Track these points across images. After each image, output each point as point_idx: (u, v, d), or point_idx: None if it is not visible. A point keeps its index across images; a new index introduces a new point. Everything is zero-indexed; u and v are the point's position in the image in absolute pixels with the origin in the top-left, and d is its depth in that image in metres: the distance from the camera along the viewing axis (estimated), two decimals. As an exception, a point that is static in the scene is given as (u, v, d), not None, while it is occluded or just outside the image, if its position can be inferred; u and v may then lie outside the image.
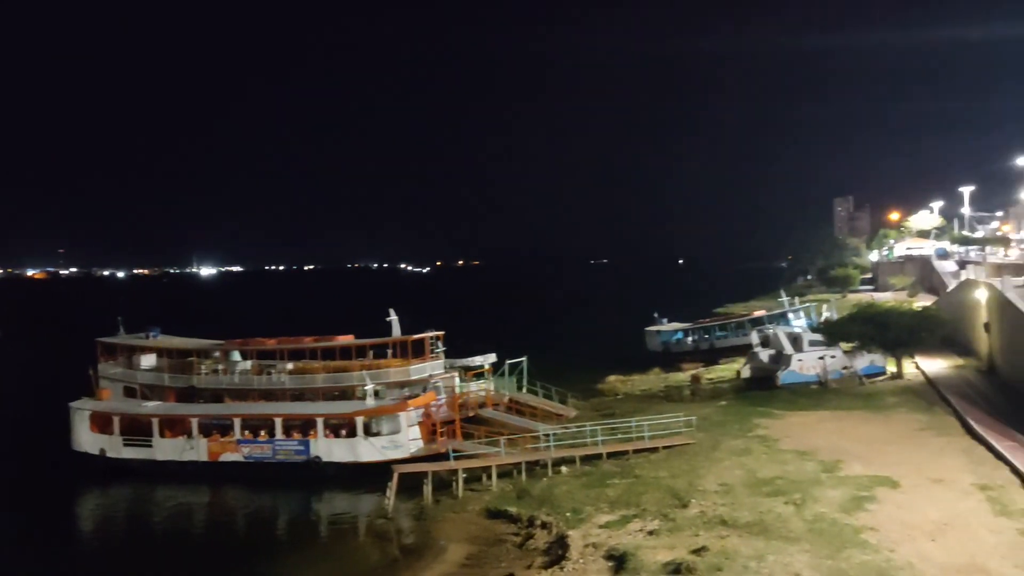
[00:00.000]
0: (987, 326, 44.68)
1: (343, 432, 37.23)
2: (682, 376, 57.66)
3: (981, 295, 46.36)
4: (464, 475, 32.66)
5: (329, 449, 36.82)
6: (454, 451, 34.23)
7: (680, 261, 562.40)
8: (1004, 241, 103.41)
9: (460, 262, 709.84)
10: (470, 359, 44.74)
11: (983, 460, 27.56)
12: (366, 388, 39.10)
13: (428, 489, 32.16)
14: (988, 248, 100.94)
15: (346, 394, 41.97)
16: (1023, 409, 33.89)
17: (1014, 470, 25.74)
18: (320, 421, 37.19)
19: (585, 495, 28.73)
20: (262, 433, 38.21)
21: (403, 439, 36.16)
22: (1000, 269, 67.27)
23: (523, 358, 46.20)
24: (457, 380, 43.43)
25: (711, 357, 66.86)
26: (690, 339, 73.51)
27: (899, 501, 23.94)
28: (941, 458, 28.14)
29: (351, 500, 34.28)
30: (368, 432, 36.63)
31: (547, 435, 34.90)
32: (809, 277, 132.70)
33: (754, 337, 54.13)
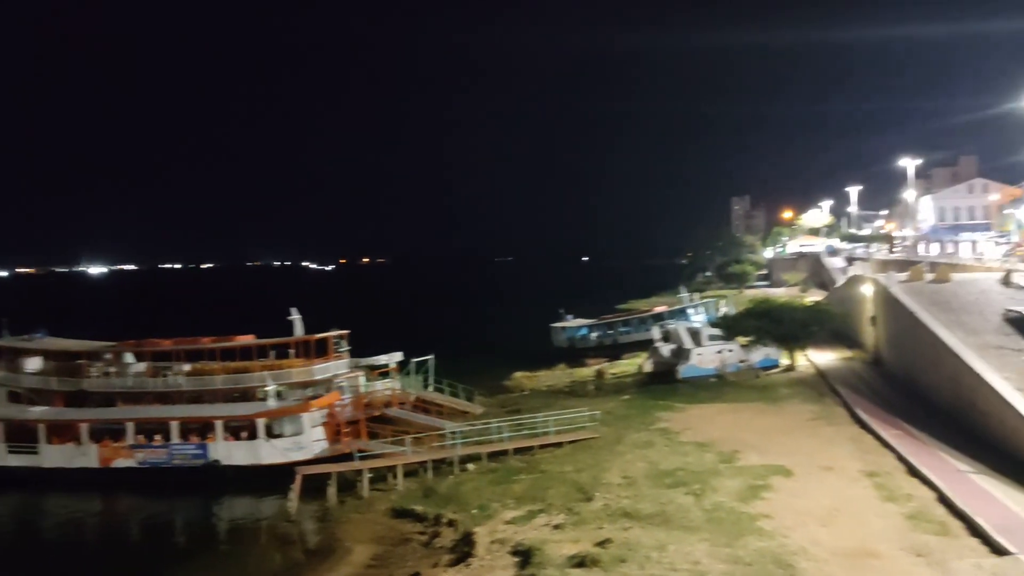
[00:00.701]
0: (873, 319, 46.91)
1: (243, 434, 36.25)
2: (587, 371, 58.50)
3: (867, 290, 48.60)
4: (370, 475, 32.31)
5: (229, 452, 35.78)
6: (359, 451, 33.81)
7: (585, 258, 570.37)
8: (888, 238, 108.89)
9: (365, 260, 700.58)
10: (375, 358, 44.18)
11: (870, 448, 28.88)
12: (267, 389, 38.19)
13: (332, 490, 31.67)
14: (874, 245, 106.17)
15: (246, 395, 40.81)
16: (907, 398, 35.75)
17: (899, 457, 27.06)
18: (219, 424, 36.10)
19: (491, 491, 28.81)
20: (157, 437, 36.86)
21: (306, 440, 35.48)
22: (885, 265, 70.78)
23: (429, 356, 45.96)
24: (362, 379, 42.84)
25: (615, 352, 68.03)
26: (594, 335, 74.64)
27: (792, 489, 24.86)
28: (831, 447, 29.37)
29: (252, 504, 33.43)
30: (270, 434, 35.78)
31: (453, 433, 34.84)
32: (708, 274, 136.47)
33: (656, 332, 55.44)
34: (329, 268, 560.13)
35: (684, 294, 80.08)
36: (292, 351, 43.53)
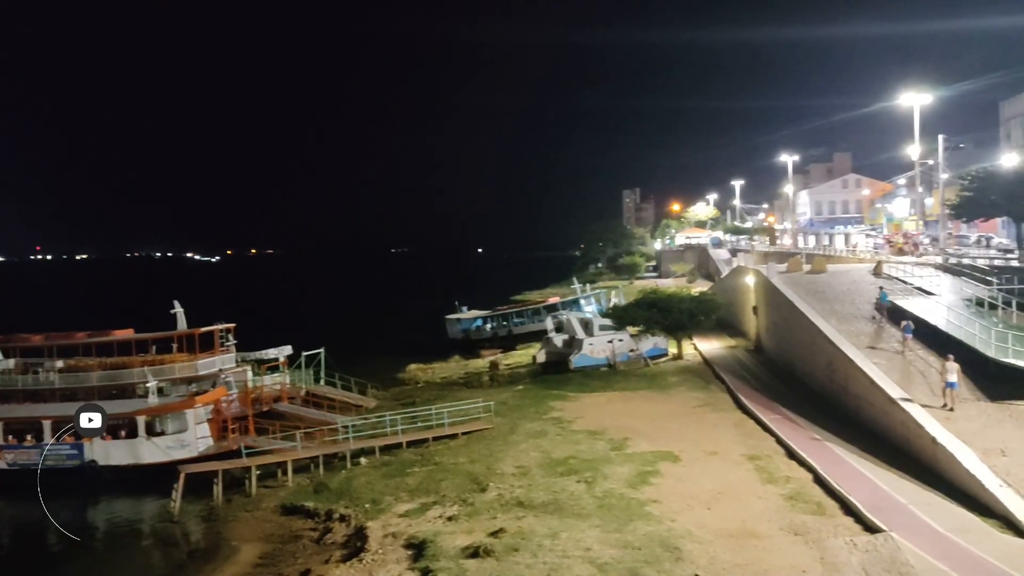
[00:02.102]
0: (755, 309, 48.77)
1: (122, 433, 34.64)
2: (481, 363, 58.64)
3: (750, 281, 50.48)
4: (258, 472, 31.38)
5: (106, 452, 34.14)
6: (247, 448, 32.84)
7: (480, 250, 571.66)
8: (770, 231, 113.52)
9: (254, 251, 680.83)
10: (264, 352, 43.09)
11: (752, 433, 30.02)
12: (148, 385, 36.60)
13: (218, 489, 30.63)
14: (756, 237, 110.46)
15: (126, 392, 39.07)
16: (786, 384, 37.34)
17: (778, 441, 28.24)
18: (96, 422, 34.28)
19: (385, 485, 28.48)
20: (28, 437, 34.84)
21: (190, 438, 34.19)
22: (766, 257, 73.77)
23: (320, 349, 45.13)
24: (250, 374, 41.71)
25: (509, 343, 68.48)
26: (489, 326, 74.88)
27: (679, 474, 25.58)
28: (716, 432, 30.38)
29: (133, 505, 31.95)
30: (151, 432, 34.32)
31: (345, 427, 34.28)
32: (600, 265, 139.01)
33: (549, 323, 56.10)
34: (214, 259, 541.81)
35: (576, 285, 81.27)
36: (175, 345, 41.97)
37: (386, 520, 24.81)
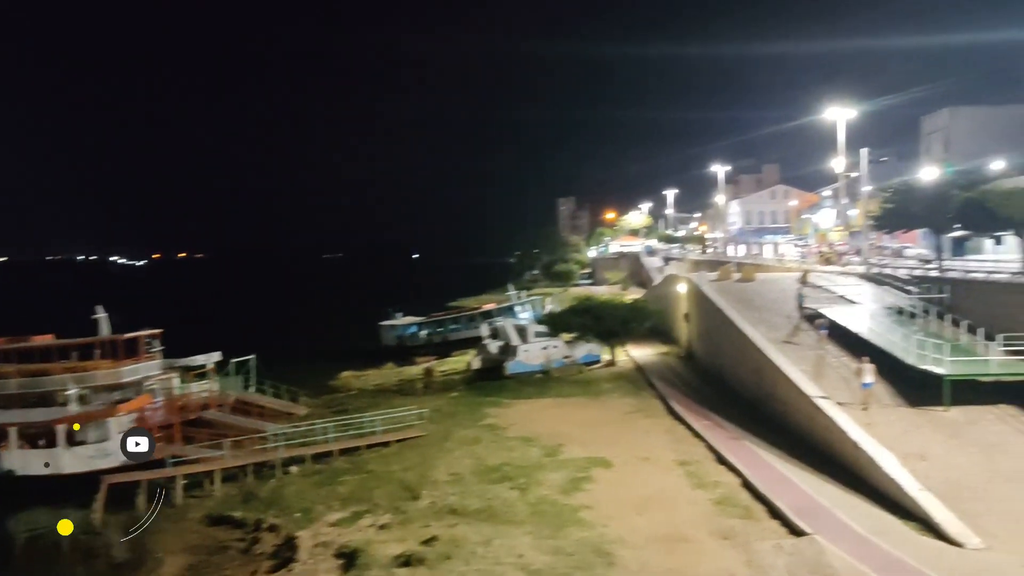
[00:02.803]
0: (687, 316, 49.57)
1: (41, 442, 33.38)
2: (416, 369, 58.26)
3: (681, 288, 51.30)
4: (184, 481, 30.63)
5: (24, 461, 32.86)
6: (173, 457, 31.97)
7: (415, 255, 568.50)
8: (701, 240, 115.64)
9: (182, 254, 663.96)
10: (191, 358, 41.93)
11: (683, 438, 30.46)
12: (69, 393, 35.34)
13: (142, 499, 29.77)
14: (688, 246, 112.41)
15: (46, 400, 37.61)
16: (716, 390, 38.02)
17: (708, 446, 28.71)
18: (13, 431, 33.08)
19: (316, 494, 28.06)
20: (-61, 448, 33.33)
21: (113, 447, 33.09)
22: (698, 265, 75.15)
23: (251, 356, 44.24)
24: (177, 381, 40.55)
25: (444, 350, 68.13)
26: (424, 333, 74.44)
27: (612, 480, 25.81)
28: (648, 438, 30.75)
29: (52, 517, 30.68)
30: (72, 441, 33.15)
31: (276, 435, 33.66)
32: (535, 272, 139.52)
33: (484, 330, 56.12)
34: (140, 263, 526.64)
35: (512, 292, 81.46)
36: (98, 352, 40.57)
37: (317, 529, 24.46)
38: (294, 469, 31.72)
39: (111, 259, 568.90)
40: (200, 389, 40.90)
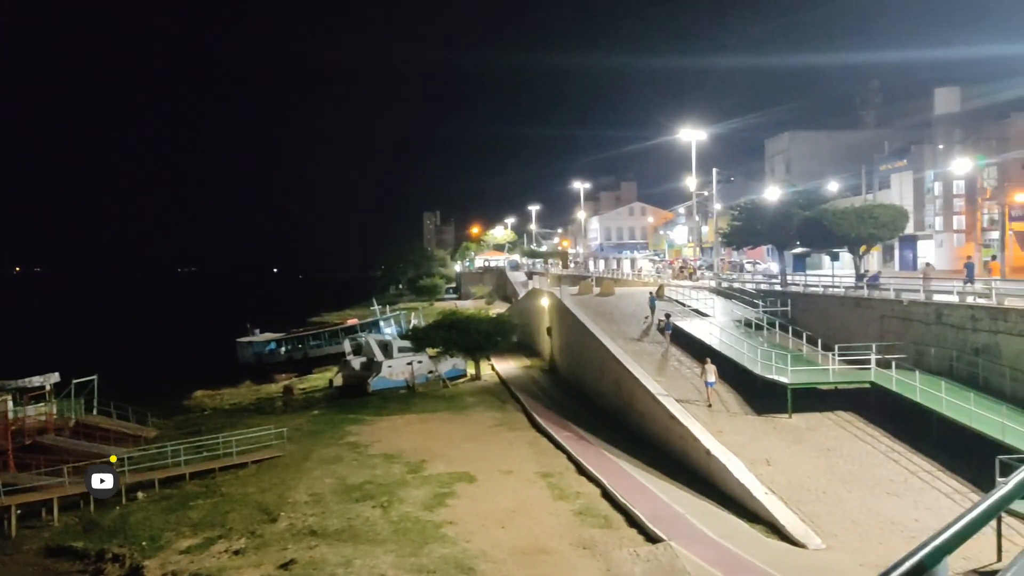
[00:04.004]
0: (549, 330, 50.41)
1: None
2: (274, 387, 56.57)
3: (544, 302, 52.14)
4: (18, 512, 28.33)
5: None
6: (5, 485, 29.54)
7: (275, 270, 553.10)
8: (563, 255, 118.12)
9: (17, 268, 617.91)
10: (27, 380, 39.09)
11: (545, 450, 30.84)
12: None
13: (-32, 533, 27.33)
14: (551, 261, 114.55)
15: None
16: (578, 403, 38.76)
17: (570, 458, 29.19)
18: None
19: (165, 520, 26.57)
20: None
21: (-66, 477, 30.30)
22: (560, 279, 76.59)
23: (93, 376, 41.65)
24: (10, 404, 37.65)
25: (305, 367, 66.59)
26: (283, 349, 72.48)
27: (475, 494, 25.77)
28: (511, 451, 30.94)
29: None
30: None
31: (121, 459, 31.71)
32: (401, 286, 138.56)
33: (347, 346, 55.16)
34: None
35: (376, 307, 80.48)
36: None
37: (165, 558, 23.14)
38: (141, 495, 29.94)
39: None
40: (37, 412, 38.15)
